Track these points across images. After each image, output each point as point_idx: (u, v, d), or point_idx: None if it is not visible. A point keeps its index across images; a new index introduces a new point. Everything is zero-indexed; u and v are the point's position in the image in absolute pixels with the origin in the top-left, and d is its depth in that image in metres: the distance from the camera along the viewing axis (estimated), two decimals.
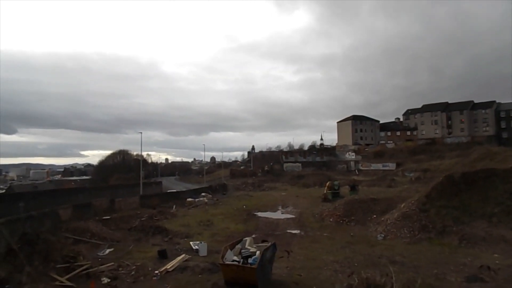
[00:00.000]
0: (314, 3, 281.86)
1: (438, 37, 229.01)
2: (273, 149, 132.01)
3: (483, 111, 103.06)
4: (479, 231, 19.12)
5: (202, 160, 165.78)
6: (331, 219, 27.57)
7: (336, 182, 43.20)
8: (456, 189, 23.31)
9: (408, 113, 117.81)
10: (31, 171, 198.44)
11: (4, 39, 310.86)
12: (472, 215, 20.86)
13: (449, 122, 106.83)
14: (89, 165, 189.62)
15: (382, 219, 24.03)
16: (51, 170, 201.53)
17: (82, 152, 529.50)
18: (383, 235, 21.17)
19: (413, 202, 23.72)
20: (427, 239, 19.39)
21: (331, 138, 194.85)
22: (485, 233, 18.77)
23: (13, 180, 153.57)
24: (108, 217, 27.83)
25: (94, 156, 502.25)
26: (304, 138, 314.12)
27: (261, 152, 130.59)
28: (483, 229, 19.31)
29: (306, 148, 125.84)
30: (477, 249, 17.34)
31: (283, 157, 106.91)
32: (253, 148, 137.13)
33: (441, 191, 23.46)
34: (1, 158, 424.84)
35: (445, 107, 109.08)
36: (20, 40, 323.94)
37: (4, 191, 72.88)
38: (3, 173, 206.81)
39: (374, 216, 25.69)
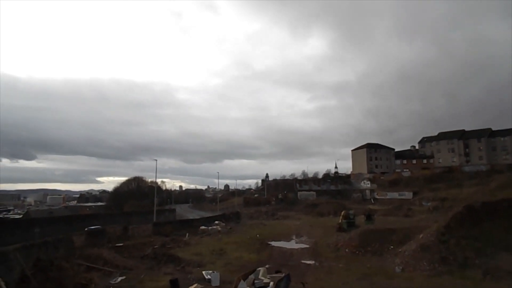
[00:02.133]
0: (327, 29, 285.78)
1: (453, 62, 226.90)
2: (287, 177, 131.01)
3: (502, 138, 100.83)
4: (504, 263, 18.26)
5: (216, 188, 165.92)
6: (346, 250, 26.89)
7: (351, 211, 42.37)
8: (476, 219, 22.55)
9: (424, 141, 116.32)
10: (48, 197, 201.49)
11: (25, 66, 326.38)
12: (496, 246, 20.00)
13: (467, 150, 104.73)
14: (104, 191, 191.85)
15: (400, 250, 23.31)
16: (67, 196, 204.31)
17: (98, 179, 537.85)
18: (401, 267, 20.44)
19: (431, 232, 22.99)
20: (448, 272, 18.61)
21: (345, 166, 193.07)
22: (510, 266, 17.91)
23: (31, 205, 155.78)
24: (121, 244, 27.85)
25: (109, 182, 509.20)
26: (318, 166, 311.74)
27: (275, 180, 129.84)
28: (509, 261, 18.43)
29: (320, 176, 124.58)
30: (503, 284, 16.52)
31: (297, 185, 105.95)
32: (267, 176, 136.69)
33: (460, 221, 22.73)
34: (20, 184, 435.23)
35: (461, 135, 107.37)
36: (40, 67, 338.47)
37: (21, 216, 73.89)
38: (22, 198, 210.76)
39: (391, 247, 24.94)
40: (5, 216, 74.21)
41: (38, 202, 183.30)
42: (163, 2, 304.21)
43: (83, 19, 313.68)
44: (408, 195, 79.93)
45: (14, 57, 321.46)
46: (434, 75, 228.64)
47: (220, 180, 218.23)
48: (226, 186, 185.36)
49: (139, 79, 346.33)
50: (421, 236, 23.57)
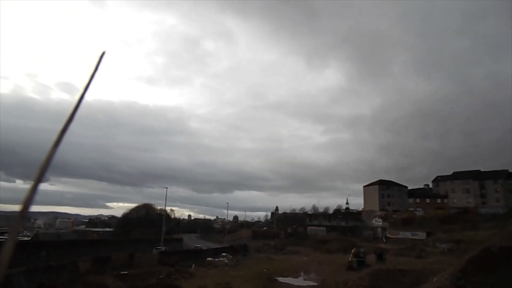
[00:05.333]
0: (344, 61, 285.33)
1: (473, 99, 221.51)
2: (297, 211, 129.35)
3: None
4: None
5: (224, 219, 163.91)
6: None
7: (362, 250, 41.17)
8: (494, 264, 21.53)
9: (438, 180, 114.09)
10: (58, 220, 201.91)
11: (42, 89, 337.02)
12: None
13: (482, 191, 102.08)
14: (113, 217, 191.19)
15: None
16: (76, 219, 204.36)
17: (107, 204, 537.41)
18: None
19: (446, 276, 22.01)
20: None
21: (357, 203, 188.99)
22: None
23: (40, 228, 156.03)
24: (126, 272, 27.44)
25: (119, 208, 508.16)
26: (329, 201, 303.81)
27: (284, 213, 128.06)
28: None
29: (331, 211, 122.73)
30: None
31: (307, 220, 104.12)
32: (276, 209, 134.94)
33: (477, 266, 21.73)
34: (32, 205, 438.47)
35: (477, 175, 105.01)
36: (56, 89, 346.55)
37: (30, 238, 73.96)
38: (32, 220, 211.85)
39: None
40: None
41: (47, 225, 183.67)
42: (180, 30, 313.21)
43: (96, 43, 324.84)
44: (421, 235, 77.42)
45: (33, 79, 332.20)
46: (451, 112, 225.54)
47: (229, 211, 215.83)
48: (235, 217, 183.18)
49: (152, 103, 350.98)
50: (435, 279, 22.59)
